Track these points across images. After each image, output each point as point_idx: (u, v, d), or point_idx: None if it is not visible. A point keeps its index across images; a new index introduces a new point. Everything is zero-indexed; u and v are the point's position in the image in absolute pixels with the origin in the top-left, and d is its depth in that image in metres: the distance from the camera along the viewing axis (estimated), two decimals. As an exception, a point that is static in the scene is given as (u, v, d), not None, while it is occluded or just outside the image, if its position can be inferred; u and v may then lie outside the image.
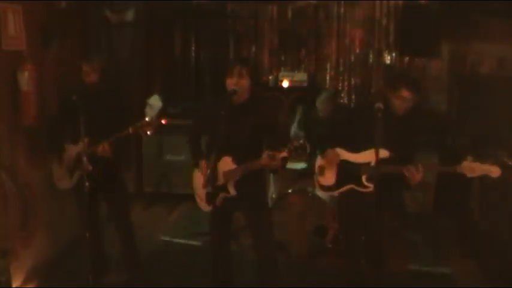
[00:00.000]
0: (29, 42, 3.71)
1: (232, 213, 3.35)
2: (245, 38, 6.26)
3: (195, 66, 6.41)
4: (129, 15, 5.28)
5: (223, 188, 3.11)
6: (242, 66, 3.03)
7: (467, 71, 5.51)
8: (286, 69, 6.19)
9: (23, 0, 3.64)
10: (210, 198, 3.11)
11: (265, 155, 2.92)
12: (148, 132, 3.29)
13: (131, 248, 3.80)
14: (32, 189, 3.85)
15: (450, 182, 4.83)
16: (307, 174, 4.61)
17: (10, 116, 3.59)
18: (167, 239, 4.79)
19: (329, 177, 3.38)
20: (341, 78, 6.11)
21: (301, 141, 2.86)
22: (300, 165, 4.71)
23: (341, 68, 6.10)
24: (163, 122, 5.82)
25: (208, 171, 2.97)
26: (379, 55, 5.95)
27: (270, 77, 6.16)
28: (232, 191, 3.10)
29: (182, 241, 4.72)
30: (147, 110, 5.80)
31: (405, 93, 3.08)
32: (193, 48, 6.38)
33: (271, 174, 4.58)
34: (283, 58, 6.25)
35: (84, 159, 3.10)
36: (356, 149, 3.24)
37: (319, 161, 3.47)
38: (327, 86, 6.07)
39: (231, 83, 3.00)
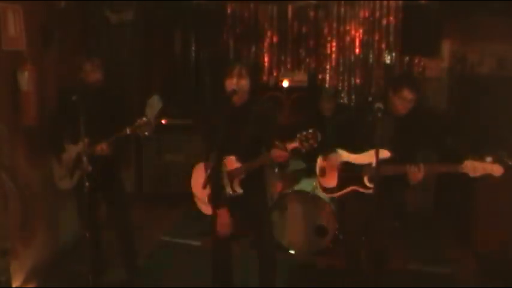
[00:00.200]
0: (29, 42, 3.71)
1: (233, 212, 3.34)
2: (245, 38, 6.26)
3: (195, 66, 6.42)
4: (129, 15, 5.27)
5: (228, 186, 3.09)
6: (242, 66, 3.02)
7: (467, 71, 5.51)
8: (286, 69, 6.20)
9: (23, 0, 3.64)
10: (215, 199, 3.09)
11: (274, 150, 2.90)
12: (146, 133, 3.28)
13: (131, 248, 3.80)
14: (32, 189, 3.85)
15: (450, 182, 4.83)
16: (307, 174, 4.62)
17: (10, 116, 3.59)
18: (167, 239, 4.79)
19: (331, 179, 3.37)
20: (341, 78, 6.12)
21: (310, 130, 2.84)
22: (300, 165, 4.71)
23: (341, 68, 6.10)
24: (163, 122, 5.86)
25: (209, 171, 2.96)
26: (379, 55, 5.95)
27: (270, 77, 6.17)
28: (239, 189, 3.09)
29: (182, 241, 4.72)
30: (147, 110, 5.80)
31: (407, 93, 3.08)
32: (193, 48, 6.39)
33: (271, 175, 4.58)
34: (283, 58, 6.25)
35: (84, 159, 3.10)
36: (357, 150, 3.24)
37: (320, 163, 3.46)
38: (327, 86, 6.07)
39: (231, 83, 2.99)
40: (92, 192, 3.17)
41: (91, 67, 3.43)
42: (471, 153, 2.93)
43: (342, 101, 6.05)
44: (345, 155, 3.28)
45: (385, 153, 3.00)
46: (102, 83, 3.50)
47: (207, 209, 3.24)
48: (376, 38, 5.91)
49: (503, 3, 4.74)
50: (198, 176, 3.21)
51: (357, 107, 3.46)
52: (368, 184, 3.16)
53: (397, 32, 5.76)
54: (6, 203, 3.53)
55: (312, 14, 6.07)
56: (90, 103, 3.27)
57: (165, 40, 6.36)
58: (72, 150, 3.50)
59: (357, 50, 6.02)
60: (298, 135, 2.85)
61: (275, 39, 6.22)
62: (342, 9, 5.98)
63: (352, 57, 6.05)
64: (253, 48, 6.26)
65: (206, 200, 3.16)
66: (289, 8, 6.14)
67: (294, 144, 2.88)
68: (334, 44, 6.06)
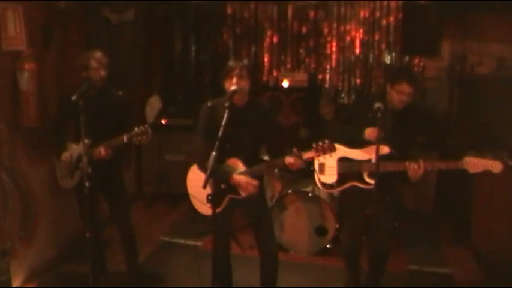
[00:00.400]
0: (29, 42, 3.71)
1: (232, 213, 3.34)
2: (245, 38, 6.26)
3: (195, 66, 6.42)
4: (129, 15, 5.27)
5: (232, 189, 3.09)
6: (242, 67, 3.00)
7: (467, 71, 5.52)
8: (286, 69, 6.20)
9: (23, 0, 3.64)
10: (213, 200, 3.08)
11: (289, 156, 2.91)
12: (142, 142, 3.26)
13: (131, 248, 3.80)
14: (32, 189, 3.85)
15: (451, 180, 4.83)
16: (307, 174, 4.62)
17: (10, 116, 3.59)
18: (167, 239, 4.79)
19: (330, 175, 3.37)
20: (341, 78, 6.12)
21: (327, 141, 2.86)
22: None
23: (341, 68, 6.10)
24: (163, 122, 5.86)
25: (209, 171, 2.95)
26: (379, 55, 5.95)
27: (270, 77, 6.17)
28: (243, 193, 3.08)
29: (182, 241, 4.72)
30: (147, 110, 5.81)
31: (406, 87, 3.11)
32: (193, 48, 6.39)
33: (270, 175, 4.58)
34: (283, 58, 6.25)
35: (85, 159, 3.10)
36: (356, 146, 3.24)
37: (319, 159, 3.45)
38: (327, 86, 6.08)
39: (231, 84, 2.98)
40: (93, 192, 3.17)
41: (96, 64, 3.41)
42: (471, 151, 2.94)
43: (342, 101, 6.06)
44: (344, 151, 3.28)
45: (384, 149, 3.01)
46: (105, 82, 3.48)
47: (204, 209, 3.22)
48: (376, 38, 5.91)
49: (503, 3, 4.74)
50: (195, 176, 3.20)
51: (357, 107, 3.44)
52: (368, 180, 3.17)
53: (397, 32, 5.76)
54: (6, 203, 3.53)
55: (312, 14, 6.07)
56: (93, 103, 3.27)
57: (165, 40, 6.36)
58: (73, 150, 3.50)
59: (357, 50, 6.02)
60: (314, 145, 2.88)
61: (275, 39, 6.22)
62: (342, 9, 5.97)
63: (352, 57, 6.05)
64: (253, 48, 6.26)
65: (204, 200, 3.14)
66: (289, 8, 6.14)
67: (310, 154, 2.90)
68: (334, 44, 6.06)
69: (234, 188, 3.07)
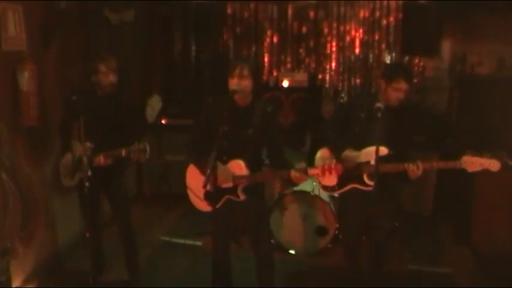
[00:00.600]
0: (29, 42, 3.71)
1: (231, 213, 3.34)
2: (245, 38, 6.26)
3: (195, 66, 6.42)
4: (129, 15, 5.27)
5: (231, 190, 3.09)
6: (243, 66, 2.98)
7: (467, 71, 5.52)
8: (286, 69, 6.20)
9: (23, 0, 3.64)
10: (211, 198, 3.09)
11: (294, 171, 2.94)
12: (139, 159, 3.25)
13: (131, 248, 3.79)
14: (32, 189, 3.85)
15: (451, 180, 4.83)
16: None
17: (10, 116, 3.59)
18: (167, 239, 4.79)
19: (331, 178, 3.37)
20: (341, 78, 6.12)
21: (334, 161, 2.92)
22: (301, 165, 4.71)
23: (341, 68, 6.10)
24: (163, 122, 5.86)
25: (209, 171, 2.95)
26: (379, 55, 5.95)
27: (270, 77, 6.17)
28: (243, 196, 3.08)
29: (182, 241, 4.72)
30: (147, 110, 5.81)
31: (403, 84, 3.12)
32: (193, 48, 6.39)
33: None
34: (283, 58, 6.25)
35: (85, 159, 3.10)
36: (356, 148, 3.24)
37: (320, 161, 3.45)
38: (327, 86, 6.08)
39: (232, 83, 2.98)
40: (94, 192, 3.17)
41: (105, 69, 3.38)
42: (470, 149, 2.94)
43: (342, 100, 6.06)
44: (343, 154, 3.28)
45: (383, 150, 3.01)
46: (114, 88, 3.45)
47: (201, 205, 3.22)
48: (376, 38, 5.91)
49: (503, 3, 4.74)
50: (196, 170, 3.20)
51: (356, 107, 3.44)
52: (368, 182, 3.16)
53: (397, 32, 5.77)
54: (6, 203, 3.53)
55: (312, 14, 6.07)
56: (100, 107, 3.27)
57: (165, 40, 6.36)
58: (76, 149, 3.49)
59: (357, 50, 6.02)
60: (322, 164, 2.94)
61: (275, 39, 6.23)
62: (342, 9, 5.98)
63: (352, 57, 6.05)
64: (253, 48, 6.26)
65: (202, 196, 3.13)
66: (289, 8, 6.14)
67: (316, 171, 2.96)
68: (334, 44, 6.06)
69: (233, 189, 3.07)
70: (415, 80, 5.80)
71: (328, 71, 6.14)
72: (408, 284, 3.87)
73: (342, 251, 3.77)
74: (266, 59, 6.26)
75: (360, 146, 3.21)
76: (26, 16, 3.66)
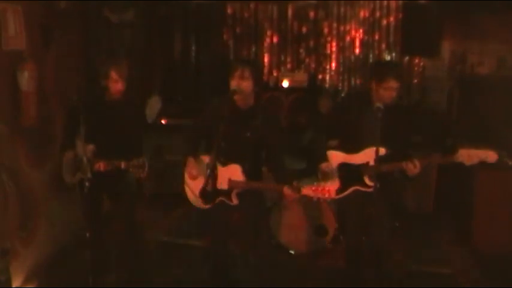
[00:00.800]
0: (29, 42, 3.71)
1: (231, 213, 3.34)
2: (245, 38, 6.26)
3: (195, 66, 6.42)
4: (129, 15, 5.27)
5: (225, 192, 3.09)
6: (244, 67, 2.97)
7: (467, 71, 5.51)
8: (286, 69, 6.19)
9: (23, 0, 3.64)
10: (206, 197, 3.09)
11: (288, 187, 2.94)
12: (137, 175, 3.26)
13: (132, 248, 3.79)
14: (32, 189, 3.85)
15: (451, 180, 4.83)
16: (307, 174, 4.62)
17: (10, 116, 3.59)
18: (167, 239, 4.79)
19: (333, 182, 3.36)
20: (341, 78, 6.12)
21: (329, 183, 2.92)
22: (300, 165, 4.71)
23: (341, 68, 6.10)
24: (163, 122, 5.86)
25: (209, 171, 2.95)
26: (379, 55, 5.95)
27: (270, 77, 6.17)
28: (235, 201, 3.08)
29: (182, 241, 4.71)
30: (147, 110, 5.81)
31: (393, 83, 3.10)
32: (193, 48, 6.39)
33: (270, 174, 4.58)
34: (283, 58, 6.25)
35: (84, 159, 3.10)
36: (353, 149, 3.24)
37: (322, 168, 3.43)
38: (327, 86, 6.08)
39: (232, 84, 2.97)
40: (94, 192, 3.17)
41: (116, 76, 3.33)
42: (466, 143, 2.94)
43: (341, 101, 6.05)
44: (342, 157, 3.29)
45: (381, 150, 3.01)
46: (122, 94, 3.42)
47: (194, 201, 3.21)
48: (376, 38, 5.91)
49: (503, 3, 4.74)
50: (191, 167, 3.20)
51: (356, 107, 3.44)
52: (369, 183, 3.17)
53: (397, 32, 5.77)
54: (6, 203, 3.53)
55: (312, 14, 6.07)
56: (105, 112, 3.30)
57: (165, 40, 6.36)
58: (79, 149, 3.49)
59: (357, 50, 6.02)
60: (316, 184, 2.93)
61: (275, 39, 6.22)
62: (342, 9, 5.98)
63: (352, 57, 6.05)
64: (253, 48, 6.26)
65: (197, 192, 3.13)
66: (289, 8, 6.14)
67: (309, 192, 2.92)
68: (334, 44, 6.06)
69: (228, 192, 3.06)
70: (415, 80, 5.81)
71: (328, 71, 6.13)
72: (408, 284, 3.87)
73: (342, 251, 3.77)
74: (266, 59, 6.25)
75: (359, 147, 3.21)
76: (26, 16, 3.66)
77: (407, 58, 5.84)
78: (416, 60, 5.82)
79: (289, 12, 6.15)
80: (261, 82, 3.25)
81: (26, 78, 3.60)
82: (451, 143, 5.04)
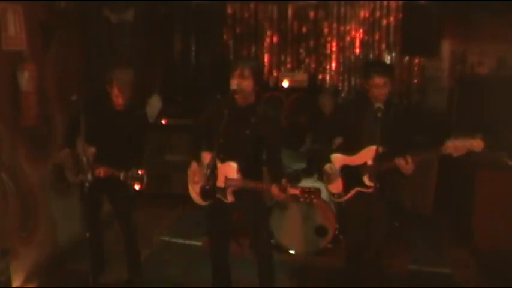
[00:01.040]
0: (29, 42, 3.71)
1: (230, 213, 3.34)
2: (245, 38, 6.26)
3: (195, 66, 6.42)
4: (129, 15, 5.27)
5: (222, 190, 3.09)
6: (244, 67, 2.98)
7: (467, 71, 5.52)
8: (286, 69, 6.20)
9: (23, 0, 3.64)
10: (205, 195, 3.09)
11: (275, 186, 2.92)
12: (135, 186, 3.27)
13: (133, 248, 3.79)
14: (32, 189, 3.85)
15: (450, 180, 4.83)
16: (307, 174, 4.62)
17: (10, 116, 3.59)
18: (167, 239, 4.79)
19: (337, 185, 3.36)
20: (341, 78, 6.12)
21: (316, 188, 2.89)
22: (300, 165, 4.71)
23: (341, 68, 6.10)
24: (163, 122, 5.86)
25: (209, 170, 2.96)
26: (379, 55, 5.95)
27: (270, 77, 6.17)
28: (231, 199, 3.08)
29: (182, 241, 4.72)
30: (147, 110, 5.80)
31: (377, 80, 3.12)
32: (193, 48, 6.39)
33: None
34: (283, 58, 6.25)
35: (84, 160, 3.10)
36: (353, 149, 3.25)
37: (326, 170, 3.43)
38: (327, 86, 6.08)
39: (233, 83, 2.97)
40: (94, 193, 3.17)
41: (118, 91, 3.33)
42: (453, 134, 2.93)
43: (341, 101, 6.06)
44: (343, 159, 3.29)
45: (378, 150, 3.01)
46: (126, 102, 3.42)
47: (198, 199, 3.22)
48: (376, 38, 5.91)
49: (503, 3, 4.74)
50: (193, 173, 3.21)
51: (356, 107, 3.44)
52: (368, 183, 3.17)
53: (397, 32, 5.77)
54: (6, 203, 3.53)
55: (312, 14, 6.08)
56: (109, 118, 3.32)
57: (165, 40, 6.36)
58: (80, 149, 3.49)
59: (357, 50, 6.02)
60: (301, 187, 2.91)
61: (275, 39, 6.23)
62: (342, 9, 5.98)
63: (352, 57, 6.05)
64: (253, 48, 6.26)
65: (198, 191, 3.14)
66: (289, 8, 6.14)
67: (295, 191, 2.90)
68: (334, 44, 6.06)
69: (224, 190, 3.07)
70: (415, 80, 5.82)
71: (328, 71, 6.14)
72: (408, 284, 3.87)
73: (342, 251, 3.77)
74: (266, 59, 6.26)
75: (359, 147, 3.21)
76: (26, 16, 3.66)
77: (407, 58, 5.84)
78: (416, 60, 5.83)
79: (289, 12, 6.15)
80: (261, 81, 3.24)
81: (26, 78, 3.60)
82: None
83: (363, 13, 5.92)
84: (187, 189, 3.32)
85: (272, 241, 4.30)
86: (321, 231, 4.34)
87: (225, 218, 3.32)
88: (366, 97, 3.23)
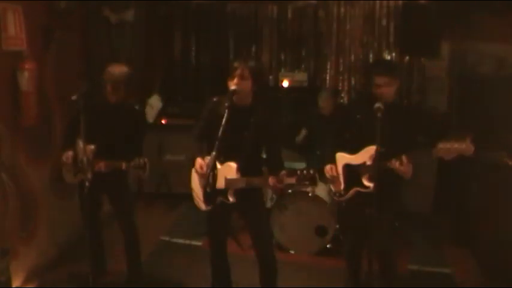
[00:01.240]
0: (29, 42, 3.71)
1: (230, 213, 3.34)
2: (245, 38, 6.26)
3: (195, 66, 6.42)
4: (129, 15, 5.27)
5: (223, 192, 3.09)
6: (244, 67, 2.98)
7: (467, 71, 5.51)
8: (286, 69, 6.19)
9: (23, 0, 3.64)
10: (208, 198, 3.09)
11: (272, 177, 2.92)
12: (138, 175, 3.29)
13: (133, 248, 3.79)
14: (32, 189, 3.85)
15: (450, 180, 4.83)
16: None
17: (10, 116, 3.59)
18: (167, 239, 4.79)
19: (339, 184, 3.36)
20: (341, 78, 6.12)
21: (311, 171, 2.86)
22: (300, 165, 4.71)
23: (341, 68, 6.10)
24: (163, 122, 5.86)
25: (209, 171, 2.96)
26: (379, 55, 5.95)
27: (270, 77, 6.17)
28: (232, 199, 3.07)
29: (182, 241, 4.72)
30: (147, 110, 5.81)
31: (379, 79, 3.11)
32: (193, 48, 6.39)
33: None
34: (283, 58, 6.25)
35: (85, 160, 3.10)
36: (354, 149, 3.25)
37: (328, 170, 3.43)
38: (327, 86, 6.08)
39: (231, 83, 2.98)
40: (94, 193, 3.17)
41: (111, 88, 3.37)
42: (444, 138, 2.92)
43: (341, 101, 6.06)
44: (345, 158, 3.29)
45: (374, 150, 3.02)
46: (122, 98, 3.45)
47: (200, 205, 3.22)
48: (376, 38, 5.91)
49: (503, 3, 4.74)
50: (199, 166, 3.21)
51: (355, 107, 3.45)
52: (366, 183, 3.16)
53: (397, 32, 5.77)
54: (6, 203, 3.53)
55: (312, 14, 6.07)
56: (106, 113, 3.32)
57: (165, 40, 6.36)
58: (79, 149, 3.49)
59: (357, 50, 6.01)
60: (298, 172, 2.88)
61: (275, 39, 6.22)
62: (342, 9, 5.98)
63: (352, 57, 6.05)
64: (253, 48, 6.26)
65: (201, 195, 3.14)
66: (289, 8, 6.14)
67: (291, 180, 2.89)
68: (334, 44, 6.06)
69: (225, 191, 3.07)
70: (415, 80, 5.81)
71: (328, 71, 6.14)
72: (408, 284, 3.87)
73: (342, 251, 3.77)
74: (266, 59, 6.25)
75: (359, 146, 3.21)
76: (26, 16, 3.66)
77: (407, 58, 5.84)
78: (416, 60, 5.82)
79: (289, 12, 6.15)
80: (261, 81, 3.24)
81: (26, 78, 3.60)
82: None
83: (363, 13, 5.92)
84: (188, 189, 3.32)
85: (272, 241, 4.31)
86: (321, 231, 4.34)
87: (226, 218, 3.32)
88: (366, 97, 3.23)
